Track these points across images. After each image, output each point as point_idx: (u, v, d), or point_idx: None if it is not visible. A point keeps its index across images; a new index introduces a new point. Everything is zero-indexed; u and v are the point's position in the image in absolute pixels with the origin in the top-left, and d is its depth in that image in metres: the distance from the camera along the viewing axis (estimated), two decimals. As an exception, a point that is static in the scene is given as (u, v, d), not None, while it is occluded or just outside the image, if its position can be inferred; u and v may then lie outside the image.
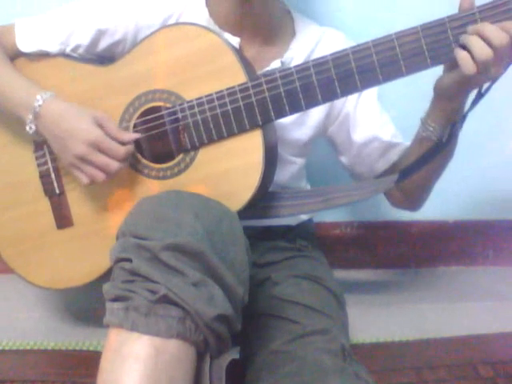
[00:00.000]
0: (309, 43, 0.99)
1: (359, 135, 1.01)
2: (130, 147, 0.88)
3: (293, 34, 1.00)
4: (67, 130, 0.86)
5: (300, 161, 1.06)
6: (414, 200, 1.06)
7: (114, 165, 0.86)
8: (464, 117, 0.86)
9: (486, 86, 0.84)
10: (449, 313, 1.20)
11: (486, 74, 0.76)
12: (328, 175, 1.19)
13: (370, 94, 1.01)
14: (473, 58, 0.75)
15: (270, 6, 0.95)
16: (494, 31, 0.74)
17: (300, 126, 1.01)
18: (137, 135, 0.89)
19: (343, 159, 1.07)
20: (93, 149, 0.85)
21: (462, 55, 0.76)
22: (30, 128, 0.89)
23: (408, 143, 1.00)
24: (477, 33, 0.75)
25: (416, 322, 1.16)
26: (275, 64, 0.95)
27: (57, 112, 0.88)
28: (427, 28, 0.78)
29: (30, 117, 0.88)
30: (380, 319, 1.17)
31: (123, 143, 0.87)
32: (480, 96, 0.85)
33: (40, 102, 0.87)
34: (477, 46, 0.74)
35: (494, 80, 0.82)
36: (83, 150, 0.85)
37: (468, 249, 1.40)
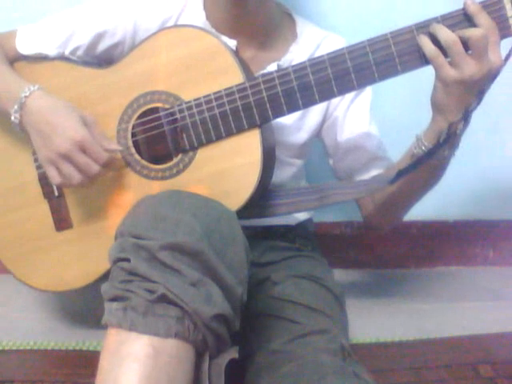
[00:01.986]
0: (309, 47, 1.00)
1: (344, 141, 1.02)
2: (113, 155, 0.88)
3: (294, 37, 1.00)
4: (54, 125, 0.85)
5: (298, 162, 1.07)
6: (384, 218, 1.05)
7: (94, 168, 0.85)
8: (466, 120, 0.85)
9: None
10: (449, 313, 1.20)
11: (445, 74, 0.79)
12: (327, 176, 1.19)
13: (363, 103, 1.01)
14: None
15: (266, 9, 0.95)
16: (440, 30, 0.78)
17: (298, 129, 1.01)
18: (118, 148, 0.89)
19: (330, 162, 1.08)
20: (77, 148, 0.84)
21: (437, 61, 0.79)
22: (15, 118, 0.88)
23: (391, 162, 1.00)
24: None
25: (416, 322, 1.16)
26: (272, 67, 0.95)
27: (44, 105, 0.87)
28: (421, 27, 0.80)
29: (16, 107, 0.87)
30: (380, 319, 1.17)
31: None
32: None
33: (27, 94, 0.87)
34: (424, 44, 0.79)
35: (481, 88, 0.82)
36: (67, 148, 0.84)
37: (468, 249, 1.40)
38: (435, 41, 0.79)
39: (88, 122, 0.87)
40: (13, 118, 0.88)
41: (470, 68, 0.77)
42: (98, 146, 0.85)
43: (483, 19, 0.77)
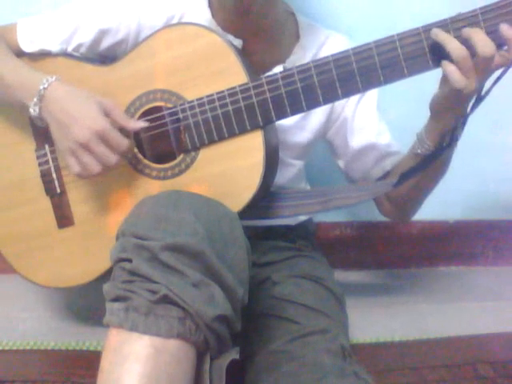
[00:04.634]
0: (312, 47, 0.99)
1: (356, 141, 1.02)
2: (132, 142, 0.87)
3: (296, 38, 1.00)
4: (73, 114, 0.85)
5: (300, 163, 1.07)
6: (402, 212, 1.06)
7: (113, 158, 0.85)
8: (464, 123, 0.86)
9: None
10: (449, 313, 1.20)
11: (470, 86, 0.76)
12: (328, 177, 1.19)
13: (370, 100, 1.01)
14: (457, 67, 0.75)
15: (272, 12, 0.95)
16: (482, 40, 0.74)
17: (301, 129, 1.01)
18: (143, 124, 0.88)
19: (340, 163, 1.07)
20: (96, 138, 0.83)
21: (450, 69, 0.76)
22: (34, 111, 0.87)
23: (402, 154, 1.00)
24: (466, 37, 0.75)
25: (416, 322, 1.16)
26: (277, 69, 0.95)
27: (62, 96, 0.86)
28: (429, 29, 0.78)
29: (35, 99, 0.86)
30: (380, 319, 1.17)
31: (128, 131, 0.87)
32: (479, 100, 0.85)
33: (45, 85, 0.86)
34: (453, 47, 0.75)
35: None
36: (87, 138, 0.83)
37: (468, 249, 1.41)
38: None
39: (108, 108, 0.86)
40: (32, 110, 0.87)
41: (475, 81, 0.76)
42: (117, 136, 0.85)
43: None
